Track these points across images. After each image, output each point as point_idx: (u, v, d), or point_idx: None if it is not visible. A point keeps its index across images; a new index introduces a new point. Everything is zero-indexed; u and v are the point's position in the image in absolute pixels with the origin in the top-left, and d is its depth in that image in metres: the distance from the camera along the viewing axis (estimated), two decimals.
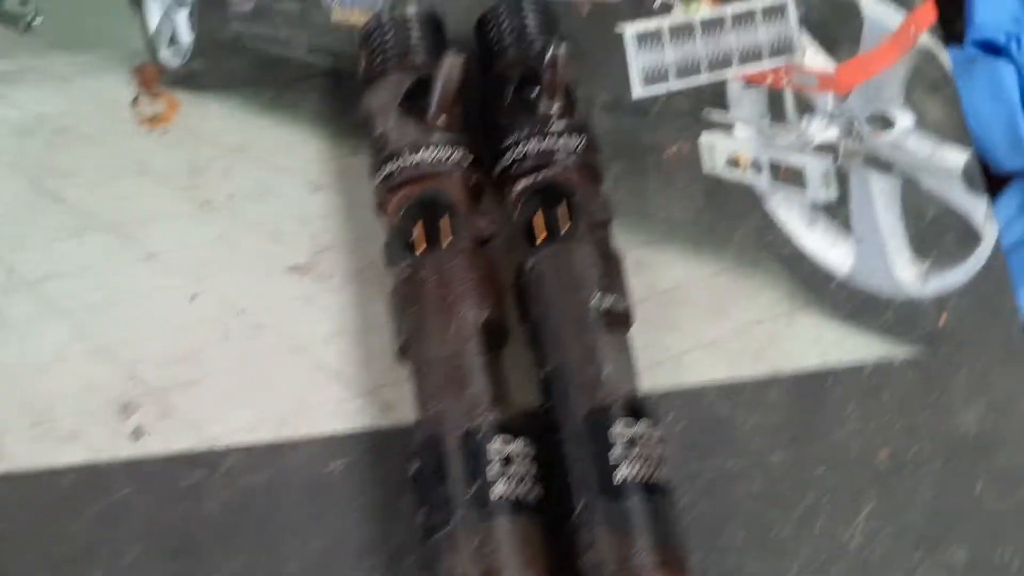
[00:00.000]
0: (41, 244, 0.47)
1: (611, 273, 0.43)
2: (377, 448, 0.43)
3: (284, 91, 0.50)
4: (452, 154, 0.44)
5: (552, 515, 0.39)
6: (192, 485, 0.43)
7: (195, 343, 0.46)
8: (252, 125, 0.49)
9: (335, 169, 0.48)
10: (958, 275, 0.47)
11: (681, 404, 0.45)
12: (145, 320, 0.46)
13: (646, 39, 0.50)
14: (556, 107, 0.44)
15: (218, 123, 0.49)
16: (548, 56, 0.43)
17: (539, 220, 0.43)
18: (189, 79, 0.50)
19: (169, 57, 0.51)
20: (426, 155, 0.43)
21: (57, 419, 0.44)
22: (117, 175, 0.49)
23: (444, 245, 0.42)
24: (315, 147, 0.49)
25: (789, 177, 0.48)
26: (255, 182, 0.48)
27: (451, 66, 0.43)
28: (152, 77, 0.50)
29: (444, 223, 0.43)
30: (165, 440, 0.44)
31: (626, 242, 0.46)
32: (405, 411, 0.43)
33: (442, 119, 0.44)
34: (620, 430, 0.39)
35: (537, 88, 0.44)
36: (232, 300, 0.46)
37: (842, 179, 0.49)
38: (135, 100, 0.50)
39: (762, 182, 0.48)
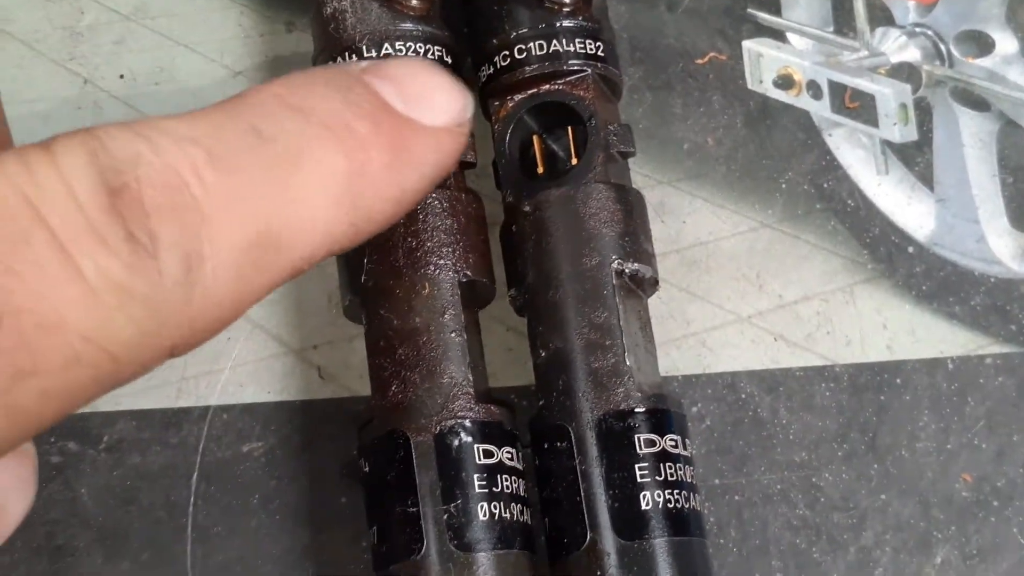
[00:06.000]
0: None
1: (635, 228, 0.39)
2: (308, 428, 0.41)
3: None
4: (428, 51, 0.40)
5: (545, 552, 0.37)
6: (61, 464, 0.41)
7: None
8: None
9: (261, 50, 0.46)
10: None
11: (706, 397, 0.42)
12: None
13: None
14: None
15: None
16: None
17: (539, 146, 0.40)
18: None
19: None
20: (394, 51, 0.40)
21: None
22: None
23: None
24: (235, 18, 0.46)
25: (856, 106, 0.45)
26: (154, 61, 0.45)
27: None
28: None
29: None
30: None
31: (643, 179, 0.43)
32: (348, 381, 0.42)
33: (416, 2, 0.40)
34: (647, 441, 0.36)
35: None
36: None
37: (923, 115, 0.46)
38: None
39: (821, 110, 0.45)
